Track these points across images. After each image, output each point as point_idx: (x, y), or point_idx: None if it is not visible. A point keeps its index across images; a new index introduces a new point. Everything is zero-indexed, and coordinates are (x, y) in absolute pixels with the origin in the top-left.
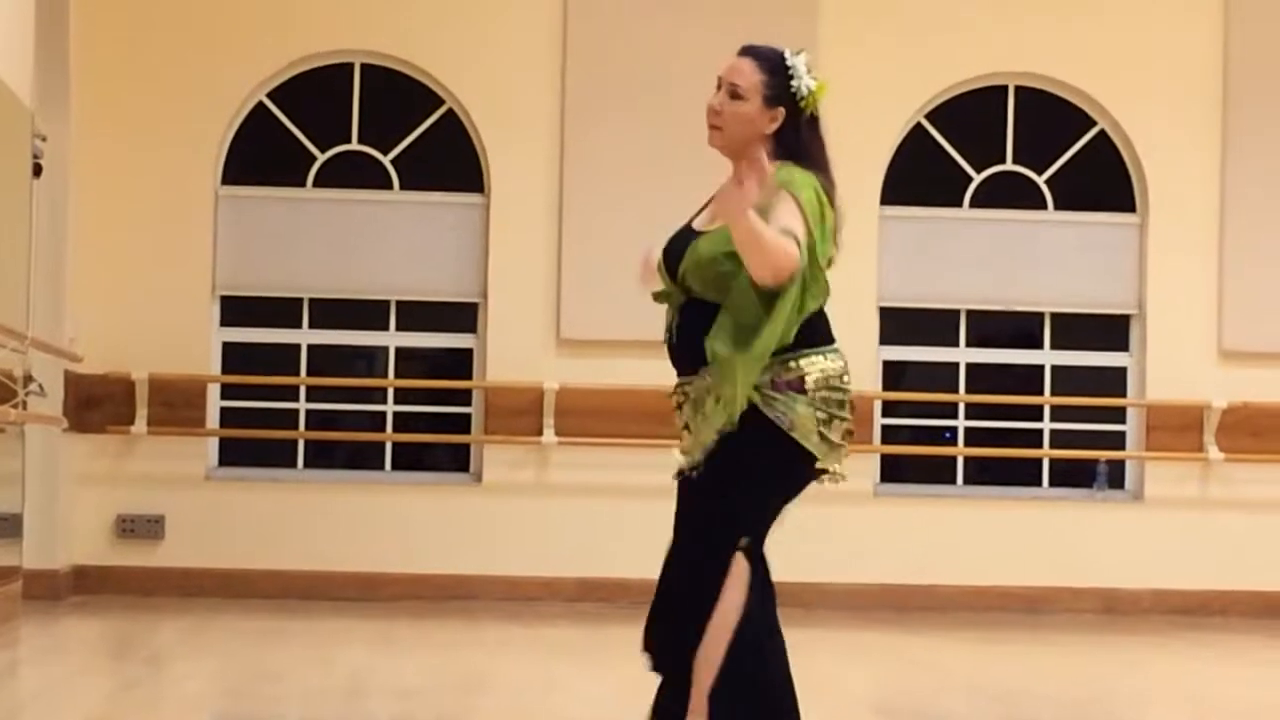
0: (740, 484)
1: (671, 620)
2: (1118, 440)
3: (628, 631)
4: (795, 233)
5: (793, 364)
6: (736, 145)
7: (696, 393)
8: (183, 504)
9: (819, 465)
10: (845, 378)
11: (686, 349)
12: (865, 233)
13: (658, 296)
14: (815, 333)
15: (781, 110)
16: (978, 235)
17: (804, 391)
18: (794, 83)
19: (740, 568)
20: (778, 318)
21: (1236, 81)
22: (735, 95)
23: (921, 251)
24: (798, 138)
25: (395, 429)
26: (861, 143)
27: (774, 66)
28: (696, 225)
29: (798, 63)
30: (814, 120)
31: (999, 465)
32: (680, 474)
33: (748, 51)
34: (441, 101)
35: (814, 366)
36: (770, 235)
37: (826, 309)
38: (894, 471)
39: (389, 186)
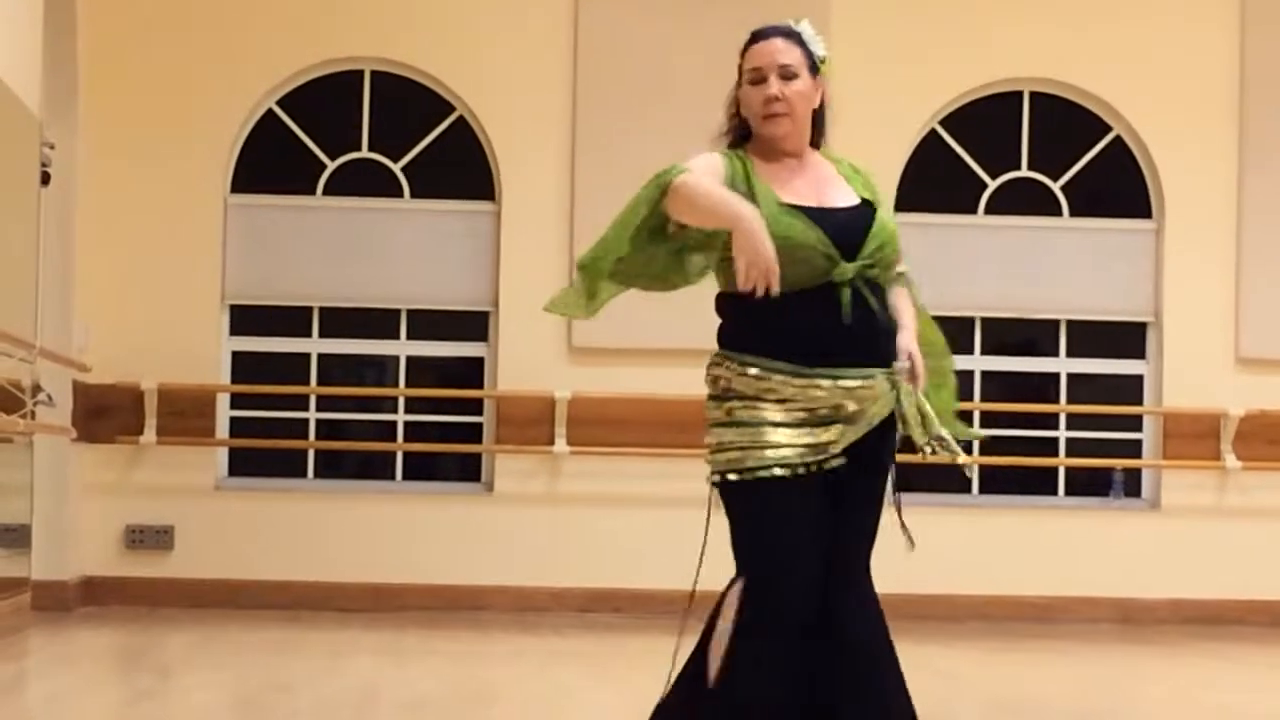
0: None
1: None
2: (1134, 448)
3: (639, 641)
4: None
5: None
6: (804, 127)
7: (880, 387)
8: (192, 514)
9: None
10: None
11: (865, 337)
12: None
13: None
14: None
15: (823, 82)
16: (992, 242)
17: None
18: (815, 51)
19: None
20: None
21: (1253, 86)
22: (789, 75)
23: (935, 258)
24: (821, 109)
25: (406, 438)
26: (875, 149)
27: (800, 39)
28: (829, 203)
29: (806, 29)
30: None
31: (1014, 474)
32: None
33: (771, 32)
34: (452, 108)
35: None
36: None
37: None
38: (910, 480)
39: (399, 194)
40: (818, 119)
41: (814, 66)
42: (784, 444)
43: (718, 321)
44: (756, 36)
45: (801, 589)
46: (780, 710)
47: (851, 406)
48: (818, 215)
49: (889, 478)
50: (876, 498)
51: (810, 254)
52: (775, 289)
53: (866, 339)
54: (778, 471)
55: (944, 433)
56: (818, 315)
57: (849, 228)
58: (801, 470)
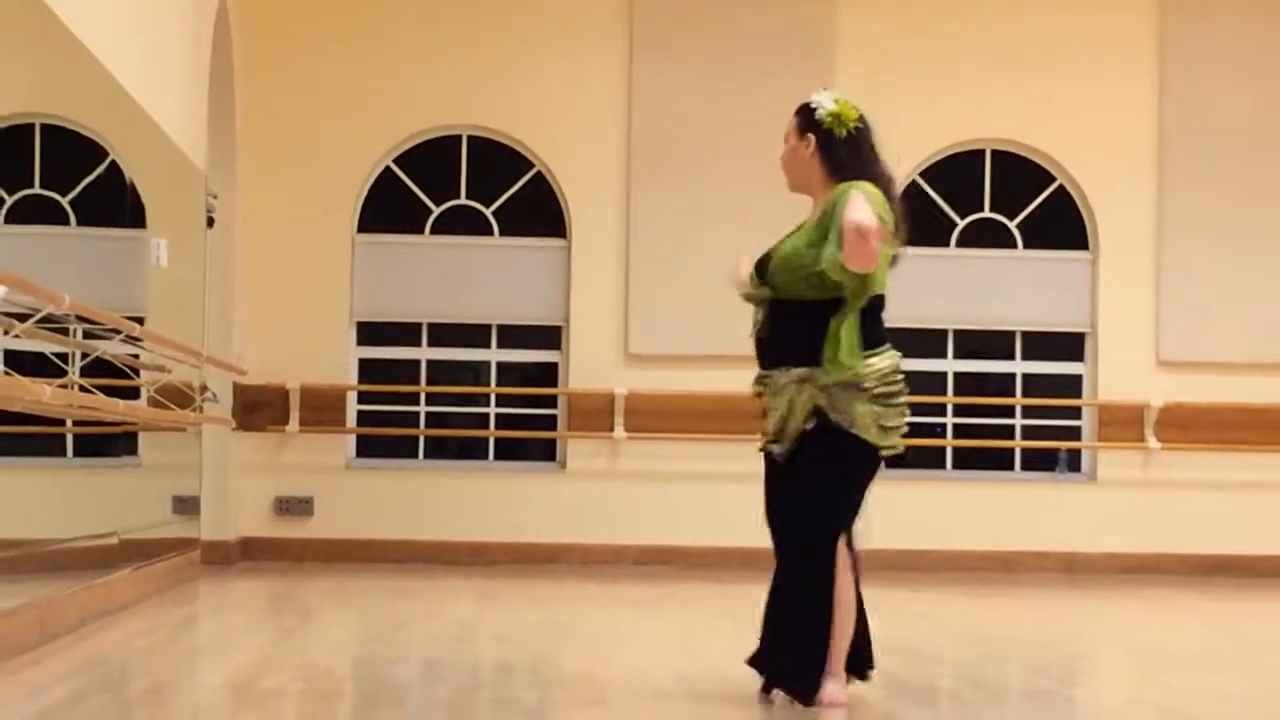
0: (822, 482)
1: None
2: (1075, 433)
3: (682, 588)
4: (870, 219)
5: (852, 368)
6: (799, 179)
7: (776, 386)
8: (328, 487)
9: (883, 451)
10: (898, 374)
11: (771, 345)
12: None
13: (748, 298)
14: (878, 332)
15: (812, 136)
16: (962, 269)
17: (863, 390)
18: (816, 113)
19: (841, 554)
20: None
21: (1168, 143)
22: (785, 142)
23: (917, 282)
24: (835, 155)
25: (496, 427)
26: None
27: (802, 107)
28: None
29: (819, 97)
30: (853, 137)
31: (980, 454)
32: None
33: (795, 111)
34: (532, 165)
35: (872, 368)
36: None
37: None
38: (896, 459)
39: (490, 233)
40: (829, 167)
41: (805, 128)
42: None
43: (743, 332)
44: None
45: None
46: None
47: (765, 403)
48: (769, 257)
49: (812, 461)
50: (781, 477)
51: (752, 280)
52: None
53: (771, 348)
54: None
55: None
56: (760, 330)
57: (766, 258)
58: (762, 452)
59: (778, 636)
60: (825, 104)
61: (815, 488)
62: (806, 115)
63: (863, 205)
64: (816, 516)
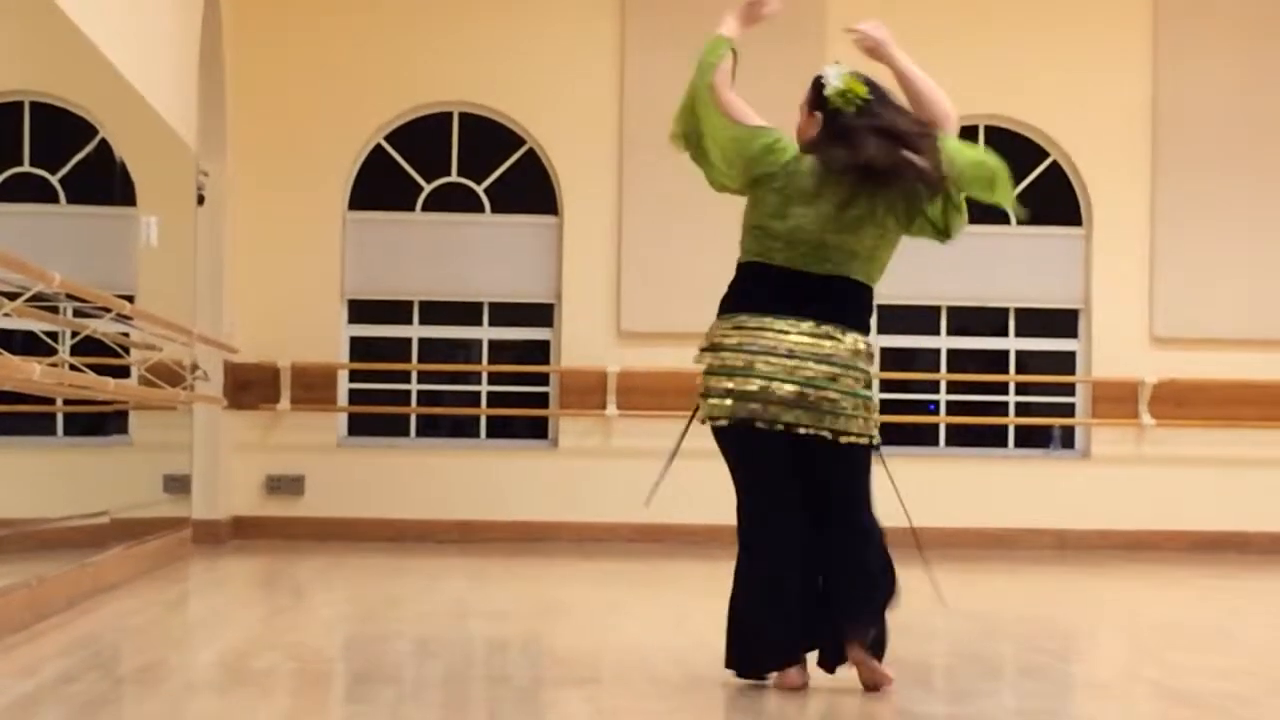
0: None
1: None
2: (1069, 410)
3: (674, 565)
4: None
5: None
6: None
7: None
8: (319, 466)
9: (708, 420)
10: (721, 336)
11: None
12: None
13: None
14: (731, 298)
15: (819, 114)
16: (956, 245)
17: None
18: (825, 89)
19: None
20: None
21: (1162, 119)
22: (800, 110)
23: (910, 259)
24: (843, 132)
25: (488, 405)
26: None
27: (813, 80)
28: None
29: (829, 71)
30: (864, 110)
31: (973, 430)
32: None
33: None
34: (523, 142)
35: (711, 327)
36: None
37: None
38: (890, 436)
39: (482, 210)
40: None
41: (813, 104)
42: None
43: None
44: None
45: None
46: None
47: None
48: None
49: None
50: None
51: None
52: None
53: None
54: None
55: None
56: None
57: None
58: None
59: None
60: (833, 81)
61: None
62: (815, 90)
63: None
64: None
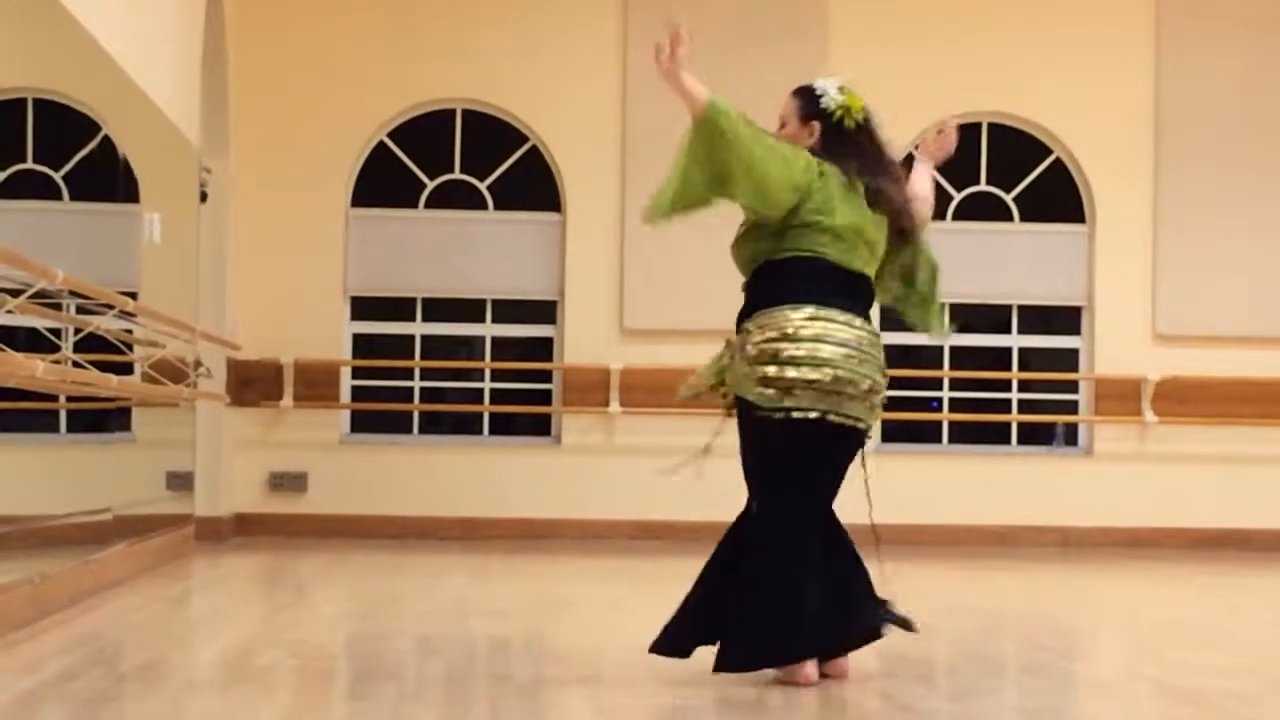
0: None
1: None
2: (1072, 407)
3: (676, 562)
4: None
5: (744, 326)
6: None
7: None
8: (322, 463)
9: (774, 413)
10: (784, 328)
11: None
12: None
13: None
14: (768, 293)
15: (816, 124)
16: (959, 243)
17: (743, 351)
18: (823, 100)
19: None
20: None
21: (1165, 116)
22: (781, 125)
23: None
24: (843, 144)
25: (491, 402)
26: None
27: (804, 91)
28: None
29: (825, 84)
30: (860, 128)
31: (977, 427)
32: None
33: (791, 92)
34: (526, 139)
35: (756, 325)
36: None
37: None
38: (893, 433)
39: (485, 207)
40: (828, 153)
41: (809, 115)
42: None
43: (739, 307)
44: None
45: None
46: None
47: None
48: None
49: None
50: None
51: None
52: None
53: None
54: None
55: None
56: None
57: None
58: None
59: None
60: (832, 93)
61: (746, 459)
62: (810, 101)
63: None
64: (753, 486)
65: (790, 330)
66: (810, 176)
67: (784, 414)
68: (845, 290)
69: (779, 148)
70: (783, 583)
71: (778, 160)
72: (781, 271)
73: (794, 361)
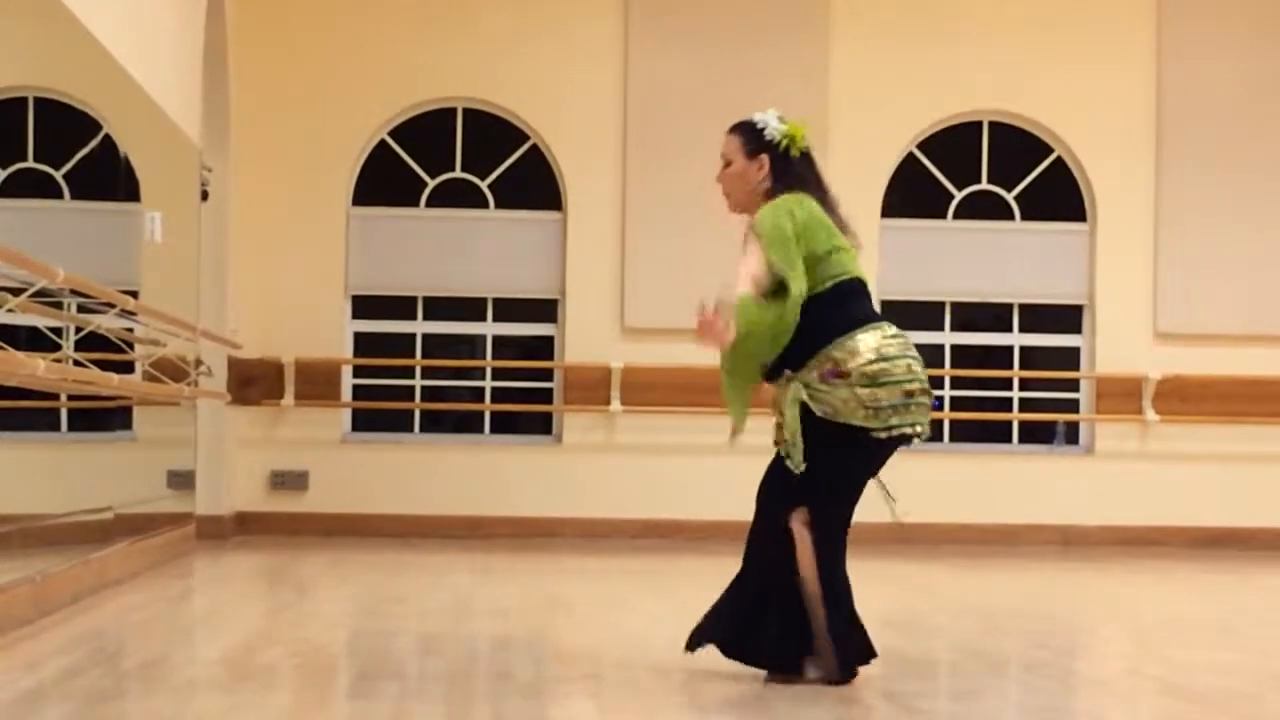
0: (817, 473)
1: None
2: (1073, 406)
3: (680, 561)
4: (754, 275)
5: (825, 355)
6: (744, 201)
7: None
8: (323, 462)
9: (877, 433)
10: (885, 352)
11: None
12: (868, 240)
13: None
14: (842, 318)
15: (765, 157)
16: (959, 241)
17: (841, 376)
18: (766, 132)
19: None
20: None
21: (1166, 115)
22: (727, 164)
23: (914, 255)
24: (791, 172)
25: (492, 400)
26: (865, 168)
27: (745, 127)
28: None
29: (765, 117)
30: (806, 156)
31: (978, 426)
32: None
33: (728, 130)
34: (527, 138)
35: (847, 349)
36: (740, 307)
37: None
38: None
39: (486, 206)
40: (780, 183)
41: (755, 149)
42: None
43: None
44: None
45: None
46: None
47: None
48: None
49: (792, 457)
50: (775, 467)
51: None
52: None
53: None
54: None
55: (785, 438)
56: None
57: None
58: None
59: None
60: (774, 124)
61: (812, 479)
62: (754, 136)
63: (753, 257)
64: (814, 504)
65: (883, 351)
66: (817, 224)
67: (886, 432)
68: (870, 300)
69: (780, 266)
70: (849, 592)
71: (790, 275)
72: (841, 293)
73: (894, 380)
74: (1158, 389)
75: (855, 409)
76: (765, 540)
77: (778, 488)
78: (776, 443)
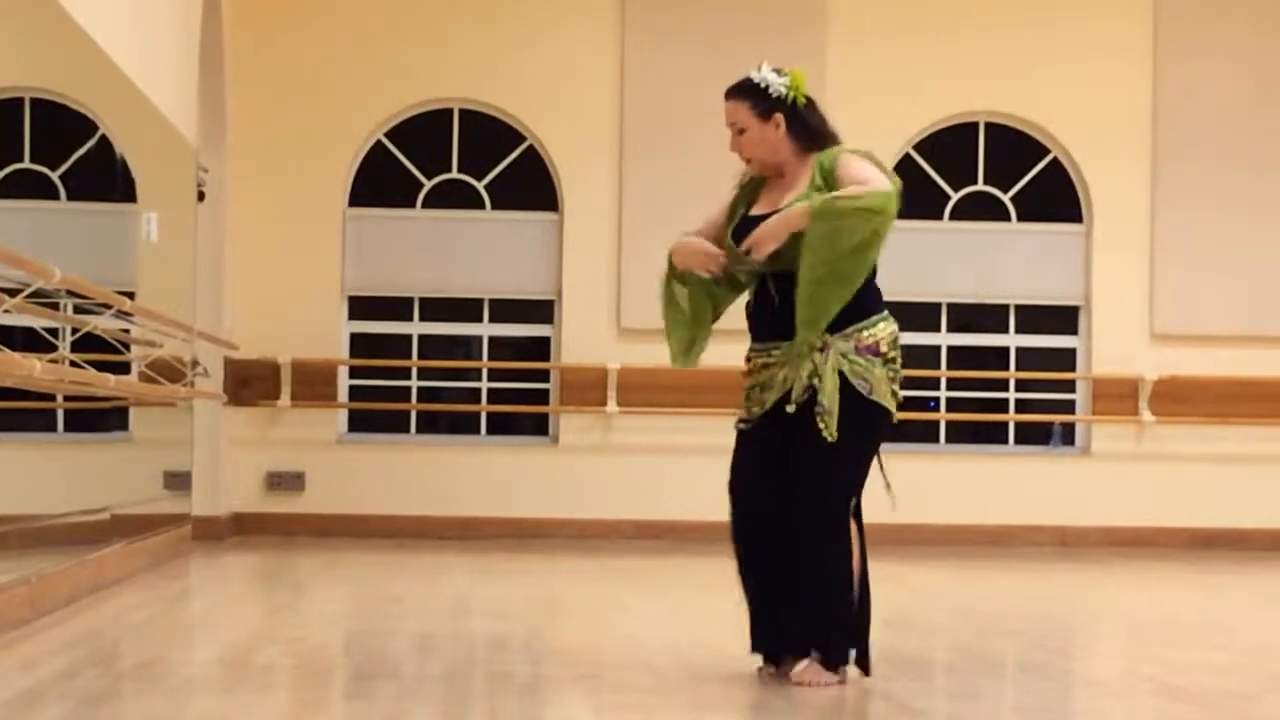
0: (845, 448)
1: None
2: (1069, 406)
3: (675, 562)
4: (874, 178)
5: (867, 331)
6: (770, 161)
7: (790, 355)
8: (319, 462)
9: (894, 421)
10: (898, 340)
11: (783, 315)
12: None
13: (746, 270)
14: (879, 299)
15: (779, 115)
16: (956, 242)
17: (879, 355)
18: (772, 90)
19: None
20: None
21: (1162, 116)
22: (740, 131)
23: (910, 256)
24: (807, 125)
25: (489, 401)
26: None
27: (748, 89)
28: (760, 212)
29: (763, 74)
30: (811, 103)
31: (973, 427)
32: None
33: (728, 95)
34: (524, 138)
35: (885, 332)
36: (853, 191)
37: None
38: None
39: (482, 207)
40: (798, 139)
41: (767, 109)
42: (745, 404)
43: (736, 305)
44: (724, 98)
45: (737, 503)
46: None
47: (770, 374)
48: (739, 226)
49: (820, 427)
50: (804, 445)
51: (733, 254)
52: (716, 270)
53: (770, 320)
54: (740, 426)
55: (822, 403)
56: (756, 302)
57: (744, 229)
58: (744, 426)
59: (807, 609)
60: (775, 79)
61: (838, 454)
62: (761, 96)
63: (862, 163)
64: (839, 483)
65: (896, 339)
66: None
67: (893, 421)
68: None
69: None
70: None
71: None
72: (874, 277)
73: (898, 373)
74: (1154, 390)
75: (886, 390)
76: (825, 532)
77: (821, 477)
78: (759, 416)
